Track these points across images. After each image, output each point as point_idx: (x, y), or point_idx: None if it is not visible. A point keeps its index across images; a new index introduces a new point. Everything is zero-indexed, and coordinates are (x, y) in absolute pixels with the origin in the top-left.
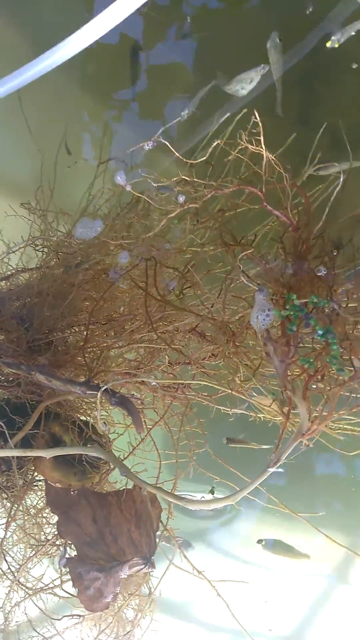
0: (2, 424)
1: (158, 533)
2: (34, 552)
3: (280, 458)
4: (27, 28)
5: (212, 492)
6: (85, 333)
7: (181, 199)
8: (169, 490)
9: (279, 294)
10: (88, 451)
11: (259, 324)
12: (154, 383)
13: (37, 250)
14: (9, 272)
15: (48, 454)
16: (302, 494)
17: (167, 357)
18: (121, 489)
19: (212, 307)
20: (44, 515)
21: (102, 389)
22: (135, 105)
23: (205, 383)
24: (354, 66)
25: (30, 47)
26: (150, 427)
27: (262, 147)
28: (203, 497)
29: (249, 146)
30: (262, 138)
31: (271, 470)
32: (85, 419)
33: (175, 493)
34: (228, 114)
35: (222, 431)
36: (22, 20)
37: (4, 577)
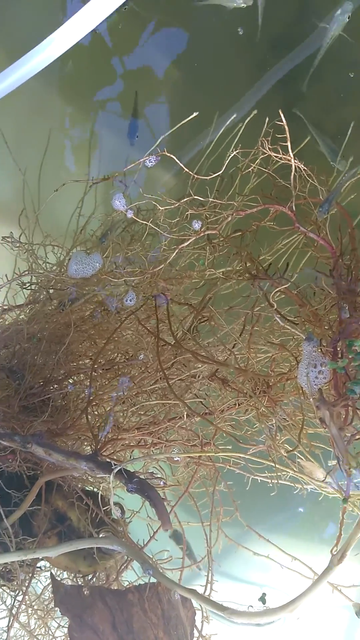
0: None
1: None
2: None
3: (345, 553)
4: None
5: (262, 600)
6: (88, 390)
7: (197, 225)
8: (204, 592)
9: (328, 341)
10: (101, 543)
11: (310, 383)
12: (178, 458)
13: (25, 288)
14: None
15: (54, 552)
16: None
17: (184, 410)
18: (142, 583)
19: (233, 347)
20: (52, 611)
21: (115, 469)
22: (116, 107)
23: (244, 456)
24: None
25: (4, 54)
26: (173, 504)
27: (290, 156)
28: (251, 606)
29: (274, 155)
30: (289, 144)
31: (335, 568)
32: (92, 489)
33: (214, 599)
34: (234, 116)
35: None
36: None
37: None
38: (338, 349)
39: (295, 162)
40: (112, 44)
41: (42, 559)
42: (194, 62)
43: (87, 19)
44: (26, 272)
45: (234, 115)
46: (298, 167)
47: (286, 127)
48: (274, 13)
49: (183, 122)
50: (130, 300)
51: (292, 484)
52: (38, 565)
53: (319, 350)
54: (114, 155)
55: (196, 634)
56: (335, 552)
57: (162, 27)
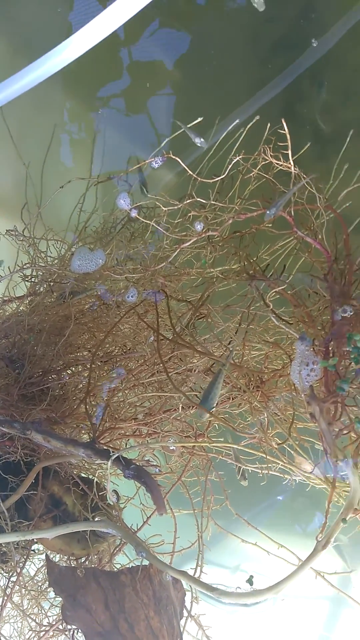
0: None
1: (182, 621)
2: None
3: (329, 539)
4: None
5: (250, 582)
6: (87, 381)
7: (199, 226)
8: (194, 574)
9: (321, 341)
10: (96, 526)
11: (302, 380)
12: (174, 448)
13: (27, 280)
14: None
15: (51, 534)
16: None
17: (179, 402)
18: (134, 566)
19: (229, 344)
20: (44, 592)
21: (113, 456)
22: (119, 103)
23: (236, 447)
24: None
25: (10, 54)
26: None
27: (289, 163)
28: (239, 588)
29: (275, 162)
30: (289, 152)
31: (322, 552)
32: (87, 475)
33: (204, 581)
34: (237, 121)
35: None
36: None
37: None
38: (330, 348)
39: (295, 170)
40: (116, 42)
41: (36, 542)
42: (198, 63)
43: (107, 22)
44: (28, 265)
45: (237, 120)
46: (298, 174)
47: (288, 135)
48: (278, 13)
49: (189, 125)
50: (132, 297)
51: (282, 475)
52: (32, 548)
53: (312, 349)
54: (115, 152)
55: (185, 613)
56: (320, 539)
57: (164, 27)
